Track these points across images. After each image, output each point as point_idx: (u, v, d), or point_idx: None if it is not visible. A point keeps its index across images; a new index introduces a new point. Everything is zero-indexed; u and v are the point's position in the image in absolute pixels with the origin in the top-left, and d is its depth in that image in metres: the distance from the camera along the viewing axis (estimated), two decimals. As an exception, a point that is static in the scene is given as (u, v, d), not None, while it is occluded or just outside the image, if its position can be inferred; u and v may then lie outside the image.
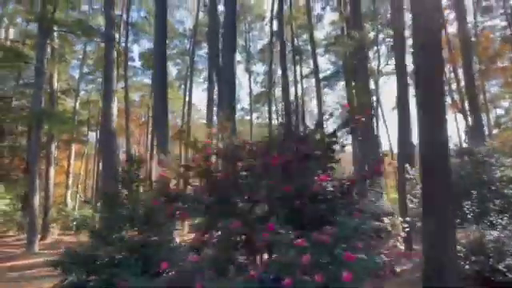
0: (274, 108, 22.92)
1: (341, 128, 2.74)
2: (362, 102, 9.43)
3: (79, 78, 21.25)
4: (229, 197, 2.70)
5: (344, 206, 2.38)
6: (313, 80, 21.99)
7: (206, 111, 18.22)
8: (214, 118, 17.59)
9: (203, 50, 24.66)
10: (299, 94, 19.30)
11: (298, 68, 20.01)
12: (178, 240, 4.91)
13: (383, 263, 1.94)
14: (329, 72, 22.14)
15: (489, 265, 4.20)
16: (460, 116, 15.92)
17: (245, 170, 2.93)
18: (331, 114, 3.41)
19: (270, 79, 20.78)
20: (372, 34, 17.82)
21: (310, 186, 2.37)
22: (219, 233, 2.99)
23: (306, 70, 22.18)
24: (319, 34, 22.24)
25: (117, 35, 13.69)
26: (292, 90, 18.02)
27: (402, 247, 6.13)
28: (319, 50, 20.77)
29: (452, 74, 16.51)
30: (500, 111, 21.34)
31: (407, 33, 10.77)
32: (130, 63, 20.92)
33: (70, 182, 20.06)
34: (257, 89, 27.13)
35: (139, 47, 32.02)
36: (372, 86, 16.59)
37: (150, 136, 20.79)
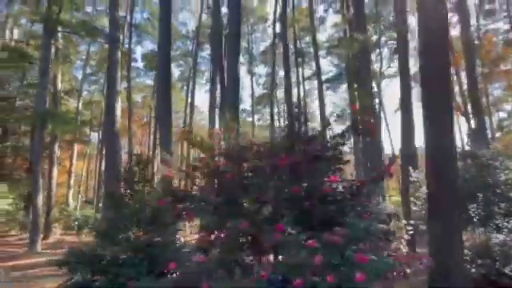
0: (275, 110, 22.96)
1: (349, 130, 2.75)
2: (365, 104, 9.43)
3: (82, 79, 21.38)
4: (236, 197, 2.70)
5: (353, 207, 2.39)
6: (314, 82, 22.06)
7: (209, 112, 18.26)
8: (217, 119, 17.64)
9: (206, 52, 24.80)
10: (301, 95, 19.33)
11: (300, 70, 20.05)
12: (182, 240, 4.90)
13: (395, 265, 1.94)
14: (331, 74, 22.21)
15: (495, 268, 4.18)
16: (462, 119, 15.90)
17: (251, 170, 2.93)
18: (338, 116, 3.39)
19: (273, 81, 20.82)
20: (374, 37, 17.86)
21: (320, 187, 2.37)
22: (223, 234, 2.99)
23: (307, 72, 22.25)
24: (321, 37, 22.34)
25: (120, 36, 13.78)
26: (294, 91, 18.05)
27: (405, 250, 6.10)
28: (321, 52, 20.83)
29: (455, 77, 16.50)
30: (503, 114, 21.32)
31: (410, 35, 10.80)
32: (132, 64, 21.04)
33: (72, 181, 20.11)
34: (259, 90, 27.20)
35: (142, 48, 32.19)
36: (374, 88, 16.59)
37: (152, 137, 20.85)
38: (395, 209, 7.84)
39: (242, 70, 25.58)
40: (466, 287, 3.51)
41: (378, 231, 2.17)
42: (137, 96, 27.52)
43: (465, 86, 15.44)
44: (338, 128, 3.32)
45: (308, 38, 21.50)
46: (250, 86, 26.26)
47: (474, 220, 5.05)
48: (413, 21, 17.61)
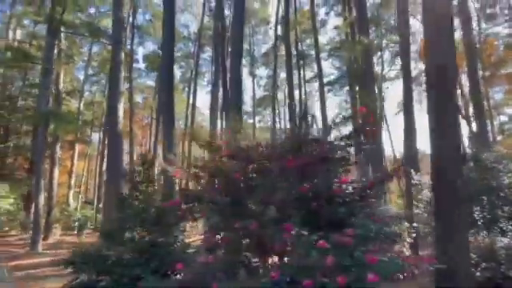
0: (276, 111, 23.00)
1: (356, 132, 2.76)
2: (368, 107, 9.46)
3: (84, 79, 21.44)
4: (243, 198, 2.71)
5: (362, 208, 2.39)
6: (315, 84, 22.12)
7: (210, 113, 18.29)
8: (218, 120, 17.66)
9: (207, 54, 24.89)
10: (303, 97, 19.38)
11: (301, 72, 20.11)
12: (186, 241, 4.89)
13: (404, 266, 1.94)
14: (332, 77, 22.26)
15: (500, 271, 4.17)
16: (463, 122, 15.92)
17: (259, 171, 2.94)
18: (344, 118, 3.38)
19: (274, 83, 20.88)
20: (375, 40, 17.93)
21: (328, 188, 2.37)
22: (229, 235, 2.99)
23: (308, 75, 22.31)
24: (322, 39, 22.39)
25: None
26: (296, 93, 18.10)
27: (408, 253, 6.09)
28: (323, 55, 20.90)
29: (456, 80, 16.52)
30: (504, 118, 21.37)
31: (412, 38, 10.83)
32: (134, 65, 21.11)
33: (73, 182, 20.09)
34: (260, 92, 27.26)
35: (144, 49, 32.27)
36: (375, 91, 16.64)
37: (153, 138, 20.86)
38: (397, 211, 7.83)
39: (243, 72, 25.62)
40: (472, 290, 3.51)
41: (389, 233, 2.17)
42: (138, 97, 27.56)
43: (466, 89, 15.49)
44: (339, 130, 3.34)
45: (309, 41, 21.59)
46: (251, 88, 26.32)
47: (479, 223, 5.04)
48: (415, 24, 17.71)
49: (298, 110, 16.69)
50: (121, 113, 10.72)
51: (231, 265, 2.78)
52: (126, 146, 18.59)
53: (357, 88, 16.18)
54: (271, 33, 23.87)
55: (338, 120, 3.02)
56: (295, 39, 19.14)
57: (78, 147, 21.11)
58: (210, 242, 2.86)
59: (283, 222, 2.34)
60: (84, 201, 22.58)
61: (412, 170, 7.86)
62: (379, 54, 18.73)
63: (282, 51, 19.68)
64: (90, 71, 22.05)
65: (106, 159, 15.66)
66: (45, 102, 11.18)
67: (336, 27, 20.97)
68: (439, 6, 3.67)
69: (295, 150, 2.85)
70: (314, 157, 2.61)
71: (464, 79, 15.28)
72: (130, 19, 18.38)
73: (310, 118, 3.22)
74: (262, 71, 27.85)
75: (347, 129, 3.12)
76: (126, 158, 12.69)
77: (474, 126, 13.13)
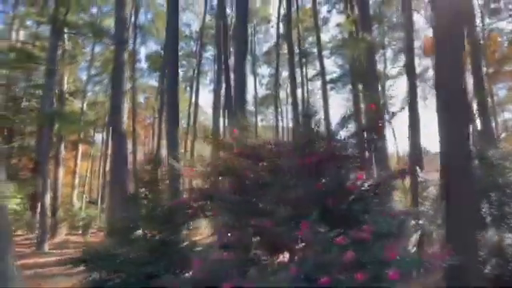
0: (279, 110, 22.98)
1: (367, 128, 2.76)
2: (375, 104, 9.42)
3: (87, 80, 21.51)
4: (255, 196, 2.72)
5: (376, 205, 2.40)
6: (317, 83, 22.09)
7: (213, 112, 18.32)
8: (221, 118, 17.69)
9: (209, 53, 24.88)
10: (305, 96, 19.35)
11: (304, 70, 20.08)
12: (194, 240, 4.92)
13: (422, 263, 1.95)
14: (334, 75, 22.21)
15: (508, 269, 4.17)
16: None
17: (269, 169, 2.95)
18: (350, 116, 3.37)
19: (276, 81, 20.86)
20: (378, 38, 17.87)
21: (344, 184, 2.39)
22: (241, 233, 3.01)
23: (311, 73, 22.27)
24: (324, 37, 22.32)
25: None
26: (298, 92, 18.09)
27: (414, 250, 6.09)
28: (325, 53, 20.85)
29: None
30: (508, 115, 21.25)
31: (415, 35, 10.78)
32: (136, 65, 21.14)
33: (76, 182, 20.22)
34: (262, 91, 27.23)
35: (146, 49, 32.35)
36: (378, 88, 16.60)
37: (156, 137, 20.92)
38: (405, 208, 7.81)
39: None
40: (483, 286, 3.51)
41: (404, 229, 2.18)
42: (140, 97, 27.63)
43: (469, 87, 15.37)
44: (346, 128, 3.34)
45: (311, 39, 21.53)
46: (252, 87, 26.29)
47: (486, 220, 5.04)
48: (418, 20, 17.60)
49: (300, 108, 16.65)
50: (125, 113, 10.76)
51: (243, 262, 2.79)
52: (129, 146, 18.69)
53: (360, 86, 16.15)
54: (272, 31, 23.83)
55: (346, 117, 3.02)
56: (297, 37, 19.10)
57: (81, 148, 21.23)
58: (224, 240, 2.88)
59: (297, 220, 2.35)
60: (88, 201, 22.72)
61: (417, 167, 7.86)
62: (382, 51, 18.65)
63: (284, 49, 19.66)
64: (93, 71, 22.12)
65: (109, 159, 15.74)
66: (49, 103, 11.25)
67: (338, 25, 20.91)
68: (451, 7, 3.65)
69: (305, 148, 2.86)
70: (326, 154, 2.61)
71: (467, 76, 15.18)
72: (132, 19, 18.41)
73: (315, 116, 3.21)
74: (264, 70, 27.85)
75: (351, 127, 3.12)
76: (129, 158, 12.73)
77: (478, 123, 13.06)
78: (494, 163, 6.57)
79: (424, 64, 18.90)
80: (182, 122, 26.67)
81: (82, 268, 3.92)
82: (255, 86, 26.07)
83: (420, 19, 17.09)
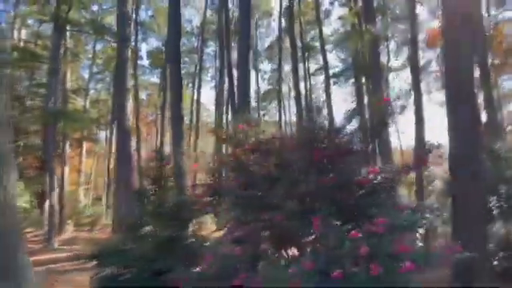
0: (281, 105, 22.89)
1: (380, 122, 2.75)
2: (374, 98, 9.38)
3: (89, 78, 21.54)
4: (266, 191, 2.73)
5: (387, 199, 2.40)
6: (319, 78, 21.91)
7: (215, 108, 18.31)
8: (224, 115, 17.68)
9: (210, 48, 24.73)
10: (308, 90, 19.24)
11: (306, 64, 19.92)
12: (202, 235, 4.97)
13: (435, 256, 1.96)
14: (337, 69, 22.01)
15: (517, 261, 4.17)
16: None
17: (279, 164, 2.95)
18: (355, 111, 3.37)
19: (279, 76, 20.73)
20: (381, 30, 17.61)
21: (356, 178, 2.39)
22: (251, 227, 3.03)
23: (313, 67, 22.08)
24: (327, 30, 22.05)
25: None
26: (301, 86, 17.98)
27: (420, 244, 6.11)
28: (327, 47, 20.62)
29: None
30: (514, 107, 20.94)
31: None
32: (138, 62, 21.10)
33: (82, 179, 20.42)
34: (264, 86, 27.10)
35: (147, 46, 32.21)
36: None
37: (159, 134, 20.97)
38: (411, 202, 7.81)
39: (247, 67, 25.45)
40: (492, 279, 3.52)
41: (416, 222, 2.18)
42: (142, 94, 27.60)
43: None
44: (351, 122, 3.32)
45: (313, 32, 21.29)
46: (255, 82, 26.16)
47: (494, 213, 5.02)
48: (421, 13, 17.31)
49: (304, 102, 16.58)
50: (128, 110, 10.79)
51: (253, 257, 2.82)
52: (133, 143, 18.78)
53: (363, 80, 16.01)
54: (274, 25, 23.60)
55: (352, 112, 3.01)
56: (300, 31, 18.90)
57: (85, 145, 21.38)
58: (234, 234, 2.90)
59: (307, 214, 2.36)
60: (94, 197, 22.98)
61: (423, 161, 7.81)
62: (385, 44, 18.40)
63: (286, 43, 19.47)
64: (95, 69, 22.13)
65: (113, 157, 15.83)
66: (53, 101, 11.30)
67: (340, 18, 20.63)
68: (461, 7, 3.60)
69: (312, 143, 2.85)
70: (334, 149, 2.61)
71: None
72: (133, 16, 18.31)
73: (321, 111, 3.19)
74: (266, 65, 27.66)
75: (355, 121, 3.11)
76: (133, 155, 12.82)
77: (484, 115, 12.92)
78: (501, 156, 6.52)
79: (427, 56, 18.64)
80: (185, 119, 26.76)
81: (93, 263, 4.00)
82: (257, 81, 25.95)
83: (423, 12, 16.80)
